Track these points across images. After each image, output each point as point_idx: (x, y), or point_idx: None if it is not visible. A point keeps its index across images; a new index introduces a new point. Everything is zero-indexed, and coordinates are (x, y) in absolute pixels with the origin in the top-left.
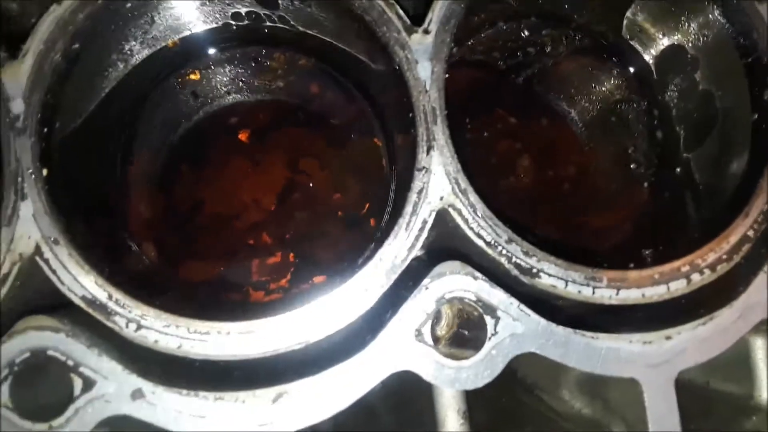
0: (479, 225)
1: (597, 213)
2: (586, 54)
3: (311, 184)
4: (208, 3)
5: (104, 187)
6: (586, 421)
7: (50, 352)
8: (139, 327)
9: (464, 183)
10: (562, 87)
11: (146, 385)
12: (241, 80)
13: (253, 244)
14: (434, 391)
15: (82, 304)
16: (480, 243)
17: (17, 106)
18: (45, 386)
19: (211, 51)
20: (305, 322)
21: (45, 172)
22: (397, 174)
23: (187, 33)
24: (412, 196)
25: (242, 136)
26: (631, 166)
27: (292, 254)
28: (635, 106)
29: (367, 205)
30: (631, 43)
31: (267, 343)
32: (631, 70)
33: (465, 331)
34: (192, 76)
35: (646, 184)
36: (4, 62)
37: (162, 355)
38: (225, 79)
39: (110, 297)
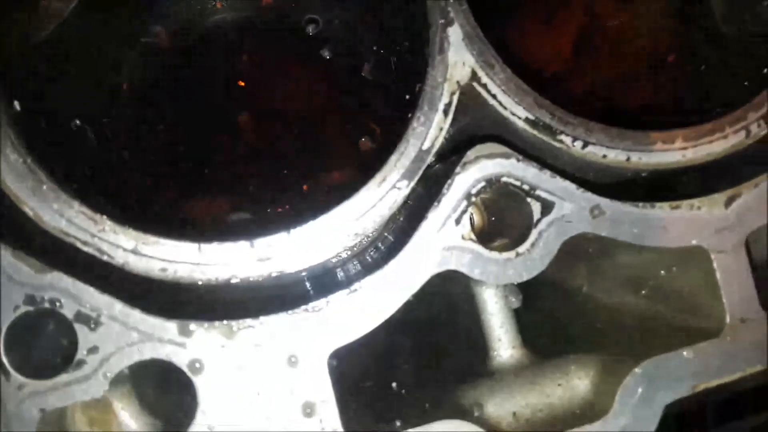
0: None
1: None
2: None
3: None
4: None
5: None
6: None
7: (504, 179)
8: (586, 144)
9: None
10: None
11: (603, 201)
12: None
13: None
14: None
15: (527, 127)
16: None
17: None
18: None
19: None
20: None
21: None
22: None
23: None
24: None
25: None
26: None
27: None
28: None
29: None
30: None
31: None
32: None
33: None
34: None
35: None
36: None
37: (611, 169)
38: None
39: (553, 116)
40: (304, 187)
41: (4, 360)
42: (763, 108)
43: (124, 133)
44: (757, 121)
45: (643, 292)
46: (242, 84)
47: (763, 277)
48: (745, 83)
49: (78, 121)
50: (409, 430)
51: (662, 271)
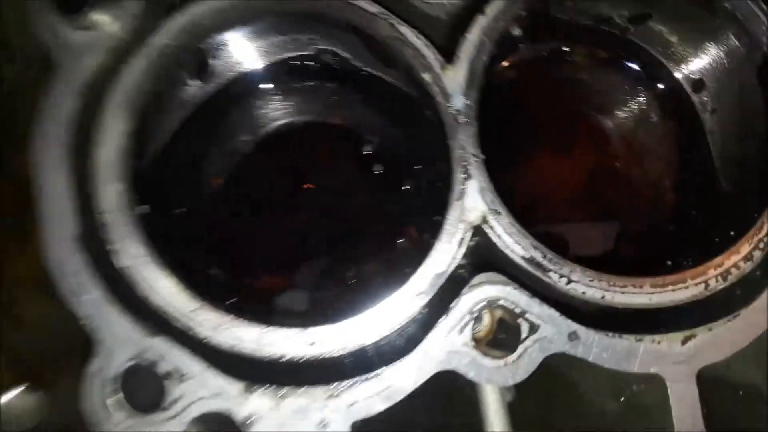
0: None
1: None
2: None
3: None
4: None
5: None
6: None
7: (501, 302)
8: (569, 281)
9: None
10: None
11: (579, 328)
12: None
13: None
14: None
15: (523, 263)
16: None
17: (458, 102)
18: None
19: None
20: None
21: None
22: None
23: None
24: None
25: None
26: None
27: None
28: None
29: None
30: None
31: None
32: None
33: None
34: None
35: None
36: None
37: (591, 304)
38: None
39: (545, 256)
40: (353, 278)
41: (111, 401)
42: (722, 266)
43: (212, 220)
44: (715, 276)
45: (622, 399)
46: (309, 186)
47: (747, 392)
48: (731, 233)
49: (183, 209)
50: None
51: (634, 386)
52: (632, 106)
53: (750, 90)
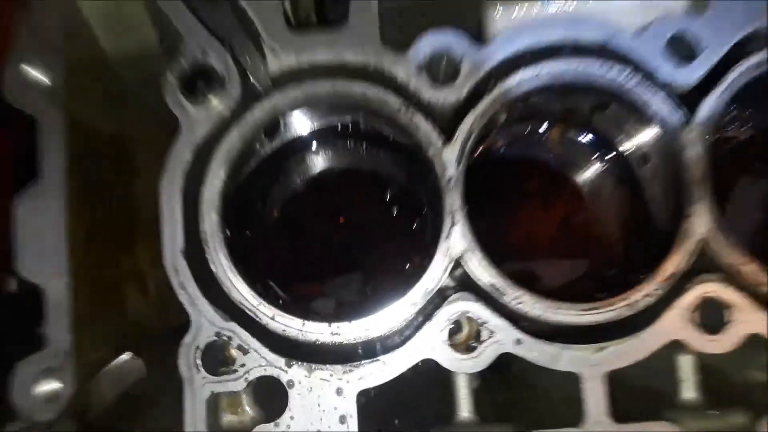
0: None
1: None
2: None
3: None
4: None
5: None
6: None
7: (469, 314)
8: (519, 302)
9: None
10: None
11: (523, 336)
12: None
13: None
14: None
15: (488, 287)
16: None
17: (451, 171)
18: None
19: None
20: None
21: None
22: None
23: None
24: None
25: None
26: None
27: None
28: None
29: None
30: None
31: None
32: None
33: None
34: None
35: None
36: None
37: (532, 319)
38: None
39: (503, 284)
40: (371, 290)
41: (199, 362)
42: (629, 299)
43: (270, 242)
44: (624, 306)
45: (556, 392)
46: (342, 219)
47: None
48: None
49: (248, 232)
50: None
51: (565, 383)
52: (592, 173)
53: (675, 170)
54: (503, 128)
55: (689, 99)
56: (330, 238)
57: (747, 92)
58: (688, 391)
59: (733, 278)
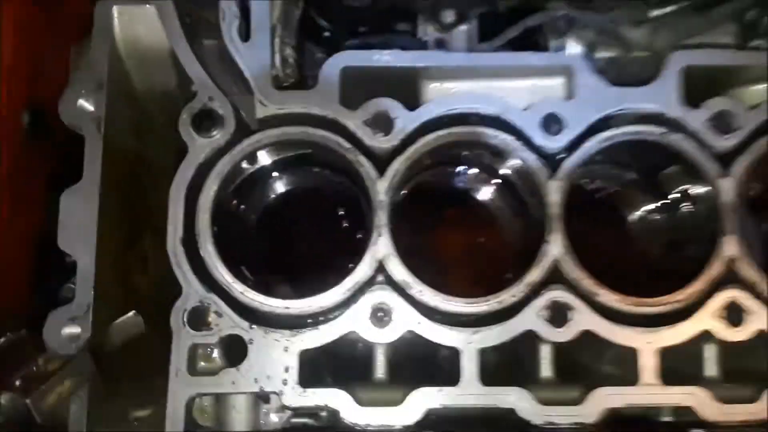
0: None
1: None
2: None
3: None
4: None
5: None
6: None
7: (384, 300)
8: (422, 294)
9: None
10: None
11: (423, 320)
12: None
13: None
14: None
15: (399, 281)
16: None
17: (380, 197)
18: None
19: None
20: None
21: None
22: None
23: None
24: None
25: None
26: None
27: None
28: None
29: None
30: None
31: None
32: None
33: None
34: None
35: None
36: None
37: (432, 308)
38: None
39: (410, 279)
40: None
41: (186, 320)
42: (508, 293)
43: (246, 238)
44: (502, 299)
45: None
46: (303, 226)
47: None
48: None
49: (230, 230)
50: None
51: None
52: (498, 202)
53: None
54: (431, 168)
55: (556, 160)
56: (292, 240)
57: (607, 155)
58: (546, 371)
59: (575, 288)
